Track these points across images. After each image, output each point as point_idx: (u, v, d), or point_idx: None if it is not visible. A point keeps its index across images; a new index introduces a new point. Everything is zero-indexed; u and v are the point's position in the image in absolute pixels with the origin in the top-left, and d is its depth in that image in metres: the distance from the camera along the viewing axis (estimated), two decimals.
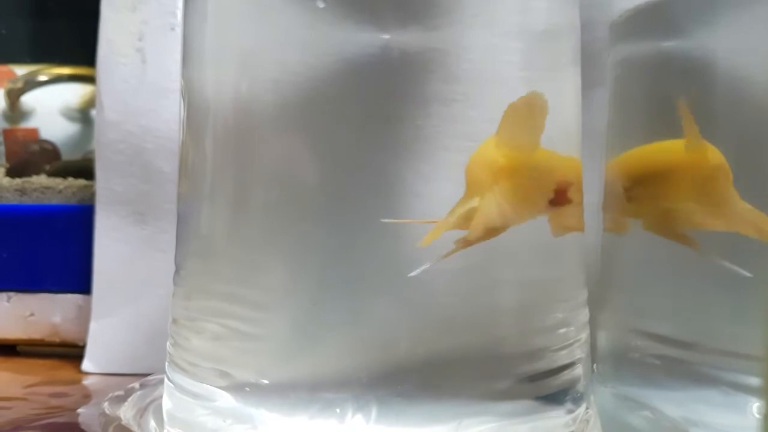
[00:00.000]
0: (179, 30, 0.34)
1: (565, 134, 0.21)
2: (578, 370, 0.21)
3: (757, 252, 0.20)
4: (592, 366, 0.23)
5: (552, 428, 0.20)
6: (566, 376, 0.20)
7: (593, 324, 0.23)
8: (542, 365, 0.20)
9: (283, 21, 0.20)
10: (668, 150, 0.22)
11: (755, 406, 0.19)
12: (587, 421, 0.21)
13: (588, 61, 0.23)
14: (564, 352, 0.20)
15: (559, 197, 0.20)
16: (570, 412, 0.20)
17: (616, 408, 0.23)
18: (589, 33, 0.24)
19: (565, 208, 0.20)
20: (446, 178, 0.19)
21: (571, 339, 0.21)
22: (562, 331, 0.21)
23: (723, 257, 0.21)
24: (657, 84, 0.24)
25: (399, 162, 0.19)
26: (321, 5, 0.19)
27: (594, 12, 0.25)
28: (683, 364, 0.21)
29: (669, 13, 0.23)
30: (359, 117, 0.20)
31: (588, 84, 0.23)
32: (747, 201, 0.20)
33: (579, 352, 0.21)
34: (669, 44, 0.23)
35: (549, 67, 0.21)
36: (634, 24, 0.24)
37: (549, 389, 0.20)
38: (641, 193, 0.23)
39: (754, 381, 0.19)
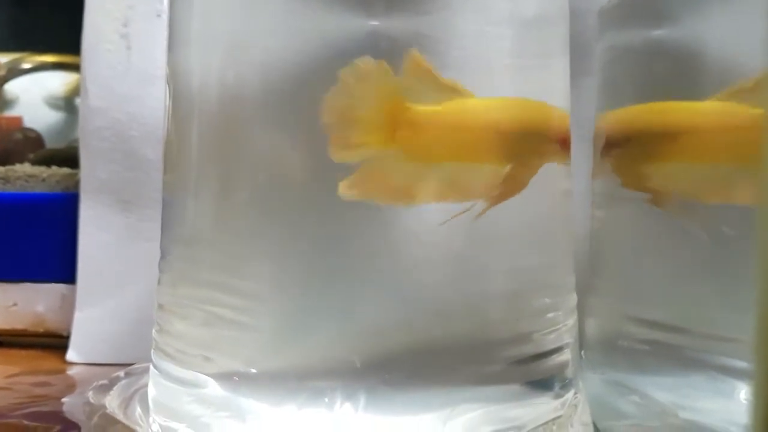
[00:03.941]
0: (165, 16, 0.34)
1: None
2: (566, 355, 0.21)
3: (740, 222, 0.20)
4: (581, 352, 0.23)
5: (541, 413, 0.20)
6: (554, 360, 0.20)
7: (582, 310, 0.23)
8: (530, 349, 0.20)
9: (270, 7, 0.20)
10: (662, 111, 0.22)
11: (744, 391, 0.19)
12: (576, 405, 0.21)
13: (577, 50, 0.23)
14: (552, 336, 0.20)
15: (564, 145, 0.21)
16: (558, 396, 0.20)
17: (605, 393, 0.23)
18: (578, 22, 0.24)
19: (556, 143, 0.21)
20: None
21: (559, 324, 0.21)
22: (550, 315, 0.21)
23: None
24: (645, 71, 0.24)
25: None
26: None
27: (583, 1, 0.25)
28: (672, 349, 0.21)
29: (658, 1, 0.23)
30: None
31: (577, 73, 0.23)
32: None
33: (567, 337, 0.21)
34: (658, 32, 0.23)
35: (538, 55, 0.21)
36: (623, 12, 0.24)
37: (537, 374, 0.20)
38: (625, 150, 0.23)
39: (743, 365, 0.19)
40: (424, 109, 0.19)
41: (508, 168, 0.19)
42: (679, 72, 0.23)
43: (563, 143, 0.21)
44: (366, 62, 0.18)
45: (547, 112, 0.21)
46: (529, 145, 0.20)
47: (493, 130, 0.19)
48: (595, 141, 0.25)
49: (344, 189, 0.19)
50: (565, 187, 0.22)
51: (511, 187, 0.20)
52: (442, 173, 0.19)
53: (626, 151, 0.23)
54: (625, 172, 0.23)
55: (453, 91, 0.19)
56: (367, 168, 0.19)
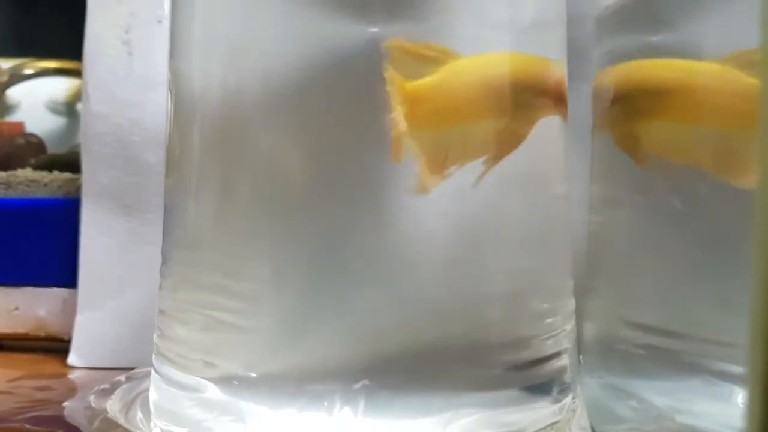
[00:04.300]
0: (166, 22, 0.34)
1: None
2: (564, 360, 0.21)
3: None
4: (579, 356, 0.23)
5: (539, 417, 0.20)
6: (553, 365, 0.21)
7: (580, 314, 0.23)
8: (529, 354, 0.20)
9: (272, 13, 0.20)
10: (659, 67, 0.23)
11: (740, 395, 0.19)
12: (574, 410, 0.21)
13: (575, 55, 0.24)
14: (550, 341, 0.21)
15: (560, 99, 0.21)
16: (557, 401, 0.20)
17: (602, 397, 0.23)
18: (576, 27, 0.24)
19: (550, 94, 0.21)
20: None
21: (558, 328, 0.21)
22: (548, 320, 0.21)
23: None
24: None
25: (387, 153, 0.19)
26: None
27: (581, 5, 0.26)
28: (669, 354, 0.21)
29: (655, 6, 0.23)
30: (347, 109, 0.20)
31: (575, 77, 0.23)
32: (728, 192, 0.21)
33: (565, 342, 0.21)
34: (656, 38, 0.23)
35: None
36: (621, 17, 0.25)
37: (536, 379, 0.20)
38: (620, 107, 0.23)
39: (740, 370, 0.19)
40: (417, 83, 0.19)
41: (504, 122, 0.20)
42: None
43: (558, 96, 0.21)
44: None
45: (540, 65, 0.21)
46: (523, 97, 0.20)
47: (485, 85, 0.20)
48: (593, 100, 0.25)
49: (421, 187, 0.19)
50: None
51: (508, 142, 0.20)
52: (454, 136, 0.19)
53: (620, 107, 0.23)
54: (617, 129, 0.23)
55: (441, 56, 0.19)
56: (418, 155, 0.19)
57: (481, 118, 0.20)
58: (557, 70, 0.21)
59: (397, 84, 0.19)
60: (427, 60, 0.19)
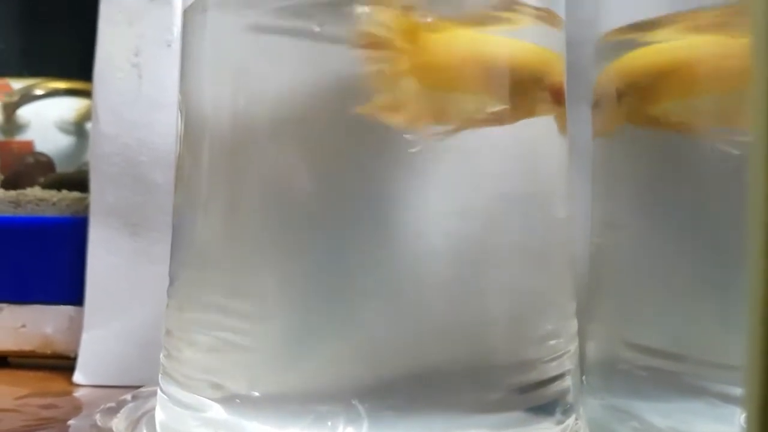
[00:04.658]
0: (175, 45, 0.34)
1: None
2: (567, 382, 0.21)
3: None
4: (582, 377, 0.23)
5: None
6: (556, 387, 0.21)
7: (582, 335, 0.23)
8: (533, 377, 0.20)
9: (280, 39, 0.20)
10: (659, 52, 0.23)
11: (743, 417, 0.19)
12: (577, 431, 0.21)
13: (575, 77, 0.24)
14: (554, 363, 0.21)
15: (558, 96, 0.21)
16: (559, 423, 0.21)
17: (604, 419, 0.23)
18: (575, 51, 0.25)
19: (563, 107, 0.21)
20: (437, 189, 0.20)
21: (561, 350, 0.21)
22: (552, 342, 0.21)
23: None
24: None
25: (391, 175, 0.20)
26: (316, 29, 0.19)
27: (580, 31, 0.26)
28: (671, 376, 0.21)
29: (655, 32, 0.24)
30: (353, 132, 0.20)
31: (573, 100, 0.24)
32: (731, 212, 0.21)
33: (568, 364, 0.21)
34: None
35: None
36: (620, 43, 0.25)
37: (539, 400, 0.20)
38: (633, 96, 0.23)
39: (742, 392, 0.19)
40: (433, 35, 0.19)
41: (500, 106, 0.20)
42: None
43: (555, 94, 0.21)
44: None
45: (543, 56, 0.21)
46: (521, 85, 0.20)
47: (489, 63, 0.20)
48: (596, 97, 0.25)
49: (361, 109, 0.19)
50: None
51: (495, 118, 0.20)
52: (441, 100, 0.20)
53: (634, 96, 0.23)
54: (639, 118, 0.23)
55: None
56: (383, 95, 0.19)
57: (479, 92, 0.20)
58: (558, 65, 0.22)
59: (410, 20, 0.19)
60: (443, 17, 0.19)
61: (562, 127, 0.22)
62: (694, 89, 0.21)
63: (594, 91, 0.26)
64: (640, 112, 0.23)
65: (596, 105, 0.25)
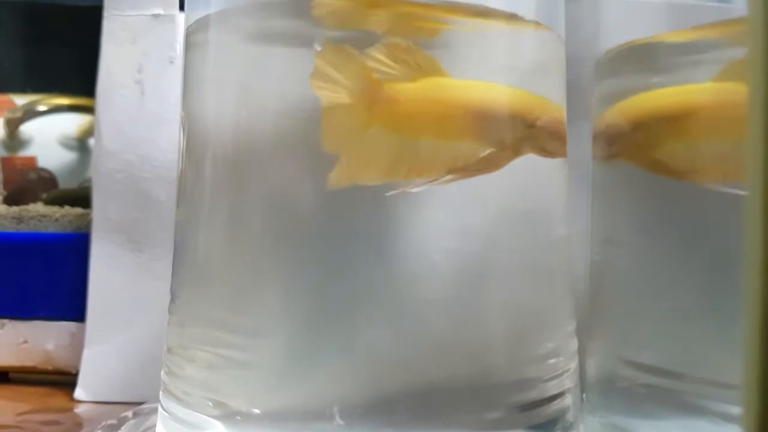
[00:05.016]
0: (178, 63, 0.35)
1: None
2: (568, 400, 0.21)
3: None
4: (583, 395, 0.23)
5: None
6: (556, 406, 0.21)
7: (582, 352, 0.23)
8: (533, 395, 0.20)
9: (283, 58, 0.20)
10: (670, 94, 0.23)
11: None
12: None
13: (574, 95, 0.24)
14: (554, 382, 0.21)
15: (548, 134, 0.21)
16: None
17: None
18: (575, 69, 0.25)
19: (538, 130, 0.21)
20: (438, 206, 0.20)
21: (561, 369, 0.21)
22: (552, 361, 0.21)
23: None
24: None
25: (392, 191, 0.20)
26: (318, 49, 0.20)
27: (579, 49, 0.26)
28: (671, 394, 0.21)
29: (654, 51, 0.24)
30: None
31: (573, 117, 0.24)
32: (730, 231, 0.21)
33: (568, 382, 0.21)
34: (655, 80, 0.24)
35: None
36: (621, 61, 0.25)
37: (539, 419, 0.20)
38: (637, 136, 0.23)
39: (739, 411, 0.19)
40: (398, 84, 0.19)
41: (487, 149, 0.20)
42: None
43: (544, 131, 0.21)
44: (329, 47, 0.19)
45: (528, 100, 0.21)
46: (505, 126, 0.20)
47: (466, 108, 0.20)
48: (602, 127, 0.25)
49: (333, 180, 0.19)
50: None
51: (485, 164, 0.20)
52: (421, 149, 0.19)
53: (638, 136, 0.23)
54: (640, 157, 0.23)
55: (428, 68, 0.20)
56: (350, 153, 0.19)
57: (454, 137, 0.20)
58: (543, 103, 0.22)
59: (368, 76, 0.19)
60: (409, 66, 0.19)
61: (561, 155, 0.22)
62: (706, 134, 0.21)
63: (596, 119, 0.26)
64: (647, 155, 0.23)
65: (599, 135, 0.25)
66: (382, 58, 0.19)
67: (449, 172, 0.19)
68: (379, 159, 0.19)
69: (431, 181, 0.19)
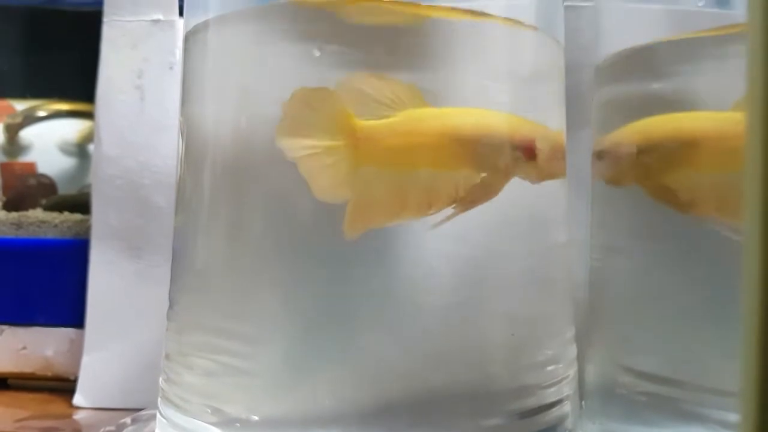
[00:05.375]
0: (178, 68, 0.35)
1: None
2: (566, 407, 0.21)
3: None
4: (582, 402, 0.23)
5: None
6: (555, 413, 0.21)
7: (581, 359, 0.23)
8: (532, 402, 0.20)
9: (282, 64, 0.20)
10: (695, 119, 0.22)
11: None
12: None
13: (574, 102, 0.24)
14: (553, 389, 0.21)
15: (528, 153, 0.21)
16: None
17: None
18: (575, 76, 0.25)
19: (538, 158, 0.21)
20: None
21: (560, 376, 0.21)
22: (551, 368, 0.21)
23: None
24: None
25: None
26: (317, 54, 0.20)
27: (579, 56, 0.26)
28: (670, 401, 0.21)
29: (654, 56, 0.24)
30: None
31: (573, 124, 0.24)
32: (729, 238, 0.21)
33: (567, 389, 0.21)
34: (656, 86, 0.24)
35: (535, 108, 0.22)
36: (621, 67, 0.25)
37: (538, 426, 0.20)
38: (649, 159, 0.23)
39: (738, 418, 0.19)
40: (374, 123, 0.19)
41: (472, 174, 0.20)
42: None
43: (527, 151, 0.21)
44: (302, 91, 0.19)
45: (513, 122, 0.21)
46: (489, 150, 0.20)
47: (447, 135, 0.20)
48: (610, 149, 0.25)
49: (348, 231, 0.19)
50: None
51: (482, 192, 0.20)
52: (421, 181, 0.19)
53: (649, 159, 0.23)
54: (648, 183, 0.23)
55: (407, 97, 0.19)
56: (353, 197, 0.19)
57: (444, 166, 0.20)
58: (522, 124, 0.21)
59: (344, 118, 0.19)
60: (382, 104, 0.19)
61: (540, 177, 0.22)
62: (717, 163, 0.21)
63: (599, 141, 0.25)
64: (656, 181, 0.23)
65: (603, 156, 0.25)
66: (357, 96, 0.19)
67: (453, 202, 0.19)
68: (383, 198, 0.19)
69: (444, 218, 0.19)
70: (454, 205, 0.20)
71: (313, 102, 0.19)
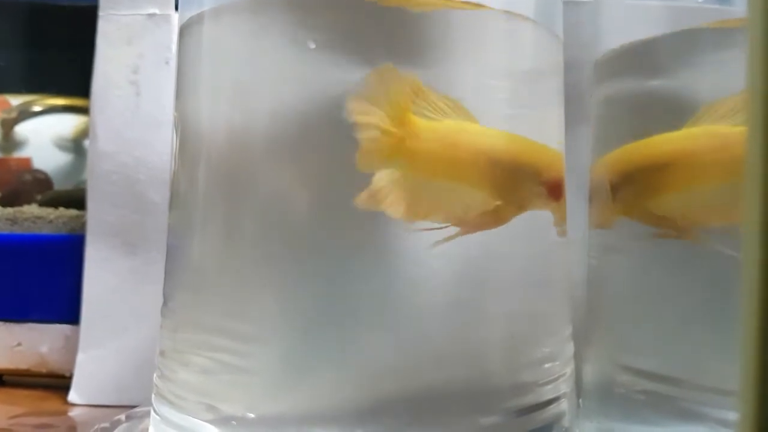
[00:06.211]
0: (173, 63, 0.35)
1: None
2: (563, 405, 0.21)
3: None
4: (578, 400, 0.23)
5: None
6: (552, 410, 0.21)
7: (579, 358, 0.23)
8: (529, 400, 0.20)
9: (277, 57, 0.20)
10: (656, 144, 0.23)
11: None
12: None
13: (573, 99, 0.24)
14: (550, 386, 0.21)
15: (554, 192, 0.21)
16: None
17: None
18: (574, 73, 0.25)
19: (561, 199, 0.21)
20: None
21: (557, 374, 0.21)
22: (548, 365, 0.21)
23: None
24: (641, 119, 0.24)
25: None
26: (312, 46, 0.20)
27: (579, 52, 0.26)
28: (669, 400, 0.21)
29: (652, 53, 0.24)
30: (350, 151, 0.20)
31: (573, 121, 0.24)
32: (728, 237, 0.21)
33: (564, 387, 0.21)
34: (654, 82, 0.24)
35: (534, 105, 0.22)
36: (619, 63, 0.25)
37: (535, 424, 0.20)
38: (629, 190, 0.23)
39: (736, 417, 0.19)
40: (426, 122, 0.19)
41: (494, 202, 0.20)
42: (675, 120, 0.23)
43: (553, 188, 0.21)
44: (388, 69, 0.19)
45: (543, 152, 0.21)
46: (516, 179, 0.20)
47: (484, 155, 0.20)
48: (591, 190, 0.25)
49: (361, 201, 0.19)
50: (560, 238, 0.22)
51: (491, 219, 0.20)
52: (436, 192, 0.19)
53: (630, 190, 0.23)
54: (636, 212, 0.23)
55: (451, 112, 0.20)
56: (380, 179, 0.19)
57: (467, 183, 0.20)
58: (557, 160, 0.22)
59: (405, 110, 0.19)
60: (436, 109, 0.20)
61: (560, 220, 0.22)
62: (693, 181, 0.21)
63: (590, 184, 0.25)
64: (638, 206, 0.23)
65: (591, 199, 0.25)
66: (418, 92, 0.19)
67: (459, 222, 0.19)
68: (403, 194, 0.19)
69: (445, 234, 0.19)
70: (459, 227, 0.20)
71: (395, 83, 0.19)
